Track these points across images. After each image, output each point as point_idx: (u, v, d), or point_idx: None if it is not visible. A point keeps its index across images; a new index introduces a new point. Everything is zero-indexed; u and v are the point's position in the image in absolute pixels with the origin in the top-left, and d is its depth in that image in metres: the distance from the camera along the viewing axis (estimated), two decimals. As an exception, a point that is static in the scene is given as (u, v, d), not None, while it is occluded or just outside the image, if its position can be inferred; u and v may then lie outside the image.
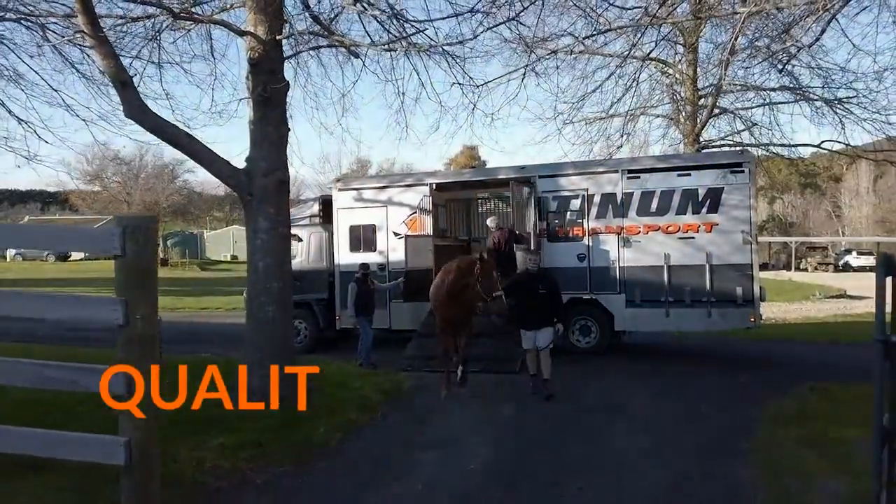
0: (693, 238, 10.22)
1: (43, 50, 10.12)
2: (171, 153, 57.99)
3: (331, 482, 5.00)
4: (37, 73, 10.67)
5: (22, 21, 9.70)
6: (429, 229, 11.67)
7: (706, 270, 10.10)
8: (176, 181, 56.22)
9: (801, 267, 44.46)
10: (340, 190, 12.25)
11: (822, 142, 15.52)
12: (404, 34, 6.64)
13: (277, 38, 6.30)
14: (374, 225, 11.96)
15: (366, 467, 5.36)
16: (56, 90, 10.48)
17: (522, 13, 5.78)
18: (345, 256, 12.05)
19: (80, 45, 9.39)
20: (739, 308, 10.03)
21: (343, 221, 12.12)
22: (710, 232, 10.15)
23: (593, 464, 5.46)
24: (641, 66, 12.33)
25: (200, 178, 63.79)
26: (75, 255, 55.83)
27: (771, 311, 18.43)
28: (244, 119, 6.52)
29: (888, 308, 3.00)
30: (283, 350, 6.54)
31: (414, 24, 6.48)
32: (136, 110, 5.80)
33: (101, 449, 3.57)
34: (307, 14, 6.78)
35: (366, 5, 6.21)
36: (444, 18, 6.11)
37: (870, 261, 39.94)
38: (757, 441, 6.03)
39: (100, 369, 3.57)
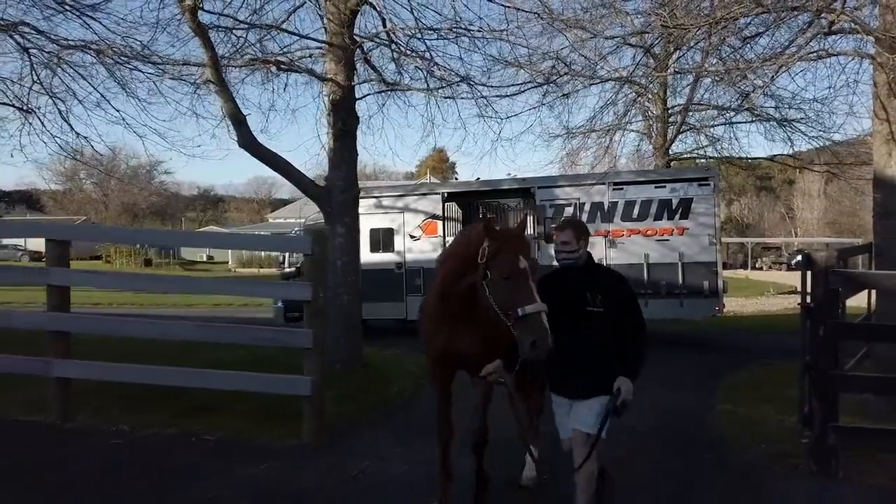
0: (668, 240, 12.19)
1: (98, 71, 11.60)
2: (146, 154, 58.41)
3: (416, 422, 6.69)
4: (101, 95, 12.07)
5: (84, 49, 11.13)
6: (441, 232, 13.44)
7: (679, 268, 12.08)
8: (153, 182, 56.85)
9: (757, 266, 47.49)
10: (361, 197, 13.85)
11: (775, 155, 17.74)
12: (447, 81, 8.39)
13: (352, 84, 7.98)
14: (392, 228, 13.64)
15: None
16: (118, 110, 11.92)
17: (558, 78, 7.58)
18: (365, 256, 13.67)
19: (131, 67, 10.91)
20: (706, 299, 12.05)
21: (364, 225, 13.74)
22: (682, 235, 12.13)
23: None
24: (634, 103, 14.30)
25: (177, 179, 64.49)
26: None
27: (729, 305, 20.62)
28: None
29: (808, 286, 4.89)
30: (354, 329, 8.24)
31: (455, 73, 8.24)
32: (248, 142, 7.41)
33: (292, 384, 5.31)
34: (370, 68, 8.50)
35: (425, 61, 7.93)
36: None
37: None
38: (722, 398, 7.91)
39: (294, 331, 5.30)
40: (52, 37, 10.95)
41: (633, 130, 18.39)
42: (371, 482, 4.53)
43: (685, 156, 17.92)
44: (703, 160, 17.69)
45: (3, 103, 10.91)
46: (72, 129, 11.75)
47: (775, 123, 15.55)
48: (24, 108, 10.77)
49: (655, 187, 12.34)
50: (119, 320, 5.46)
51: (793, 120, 15.34)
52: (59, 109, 11.63)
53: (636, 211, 12.35)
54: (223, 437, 5.22)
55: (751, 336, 14.52)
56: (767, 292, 28.19)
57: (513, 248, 3.39)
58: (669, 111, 16.97)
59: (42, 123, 11.03)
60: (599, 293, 3.40)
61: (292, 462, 4.81)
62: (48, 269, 5.35)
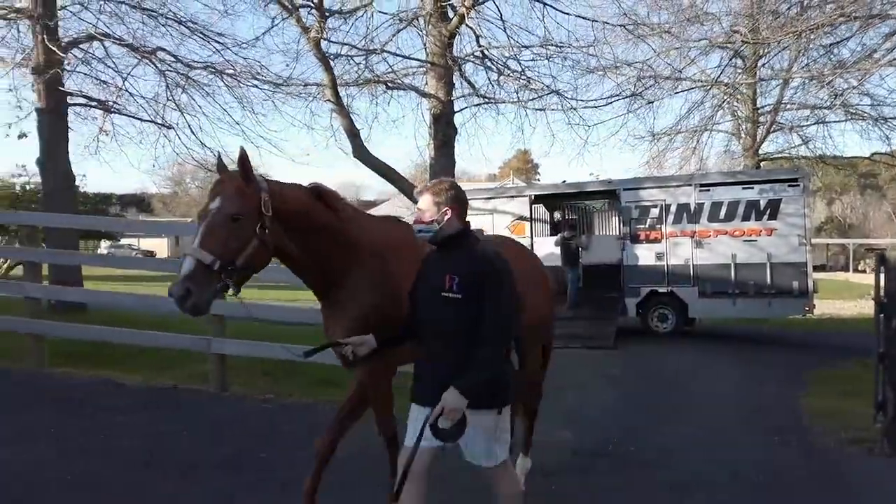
0: (756, 241, 12.33)
1: (219, 88, 13.02)
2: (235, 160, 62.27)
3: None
4: (224, 110, 13.51)
5: (212, 72, 12.55)
6: (528, 233, 14.11)
7: (767, 268, 12.19)
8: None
9: (859, 268, 44.99)
10: (452, 200, 14.74)
11: (873, 153, 17.26)
12: (538, 93, 9.08)
13: (451, 99, 8.81)
14: (481, 230, 14.37)
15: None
16: (238, 123, 13.35)
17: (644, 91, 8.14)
18: (457, 255, 14.57)
19: (254, 86, 12.22)
20: (796, 299, 12.11)
21: (455, 226, 14.61)
22: (771, 235, 12.24)
23: (694, 390, 7.75)
24: (722, 105, 14.48)
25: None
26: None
27: (826, 308, 20.09)
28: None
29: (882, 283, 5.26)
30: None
31: (547, 87, 8.92)
32: (362, 153, 8.40)
33: (409, 365, 6.07)
34: (466, 82, 9.34)
35: (520, 78, 8.67)
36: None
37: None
38: (807, 391, 8.18)
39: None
40: (184, 60, 12.49)
41: (720, 131, 18.39)
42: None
43: (776, 156, 17.72)
44: (795, 160, 17.44)
45: (146, 120, 12.54)
46: (201, 142, 13.28)
47: (871, 121, 15.23)
48: (165, 124, 12.35)
49: (743, 188, 12.50)
50: (267, 306, 6.49)
51: (890, 118, 14.99)
52: (188, 124, 13.18)
53: (723, 212, 12.56)
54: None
55: (843, 336, 14.30)
56: (868, 295, 26.90)
57: (210, 192, 2.92)
58: (759, 111, 16.87)
59: (178, 136, 12.59)
60: (457, 274, 2.75)
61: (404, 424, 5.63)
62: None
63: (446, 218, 2.83)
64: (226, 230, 2.74)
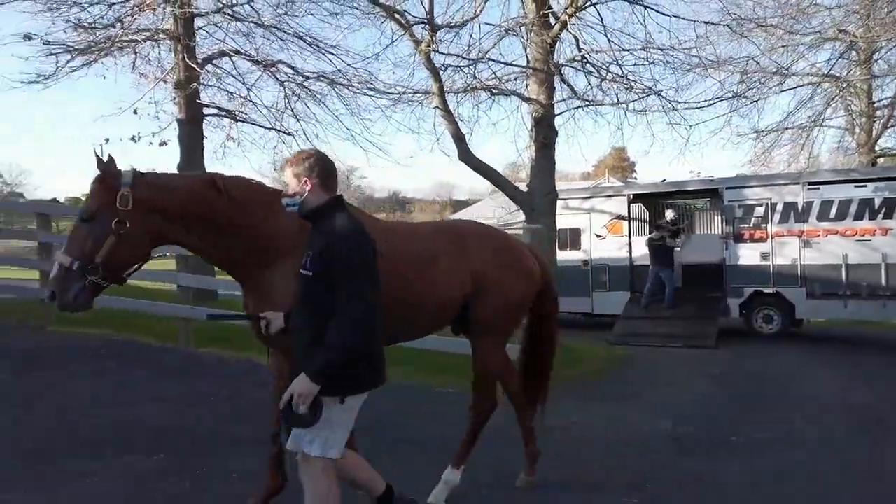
0: (869, 241, 11.87)
1: (330, 96, 13.96)
2: (344, 162, 65.09)
3: (605, 393, 7.72)
4: (336, 117, 14.50)
5: (330, 82, 13.49)
6: (626, 232, 14.21)
7: (882, 269, 11.71)
8: (350, 187, 63.13)
9: None
10: (551, 200, 15.06)
11: None
12: (639, 94, 9.28)
13: (552, 102, 9.19)
14: (579, 228, 14.64)
15: (634, 386, 8.13)
16: (349, 128, 14.29)
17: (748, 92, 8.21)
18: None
19: (365, 94, 13.04)
20: (914, 302, 11.59)
21: (553, 224, 14.92)
22: (886, 235, 11.75)
23: (798, 390, 7.75)
24: (834, 99, 13.98)
25: (365, 183, 71.13)
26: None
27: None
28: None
29: None
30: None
31: (649, 88, 9.12)
32: (467, 156, 8.94)
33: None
34: (567, 86, 9.69)
35: (623, 82, 8.93)
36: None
37: None
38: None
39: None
40: (301, 71, 13.55)
41: (832, 126, 17.59)
42: (583, 432, 5.72)
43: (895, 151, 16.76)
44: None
45: (267, 127, 13.70)
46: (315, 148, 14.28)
47: None
48: (285, 130, 13.46)
49: (855, 186, 12.07)
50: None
51: None
52: (304, 130, 14.22)
53: (833, 211, 12.17)
54: (458, 392, 6.68)
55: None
56: None
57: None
58: (875, 105, 16.04)
59: (296, 142, 13.67)
60: (312, 249, 2.62)
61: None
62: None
63: (307, 190, 2.68)
64: (82, 232, 2.92)
